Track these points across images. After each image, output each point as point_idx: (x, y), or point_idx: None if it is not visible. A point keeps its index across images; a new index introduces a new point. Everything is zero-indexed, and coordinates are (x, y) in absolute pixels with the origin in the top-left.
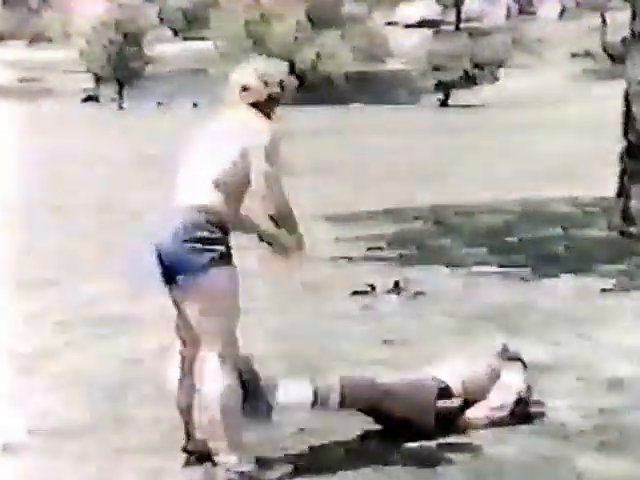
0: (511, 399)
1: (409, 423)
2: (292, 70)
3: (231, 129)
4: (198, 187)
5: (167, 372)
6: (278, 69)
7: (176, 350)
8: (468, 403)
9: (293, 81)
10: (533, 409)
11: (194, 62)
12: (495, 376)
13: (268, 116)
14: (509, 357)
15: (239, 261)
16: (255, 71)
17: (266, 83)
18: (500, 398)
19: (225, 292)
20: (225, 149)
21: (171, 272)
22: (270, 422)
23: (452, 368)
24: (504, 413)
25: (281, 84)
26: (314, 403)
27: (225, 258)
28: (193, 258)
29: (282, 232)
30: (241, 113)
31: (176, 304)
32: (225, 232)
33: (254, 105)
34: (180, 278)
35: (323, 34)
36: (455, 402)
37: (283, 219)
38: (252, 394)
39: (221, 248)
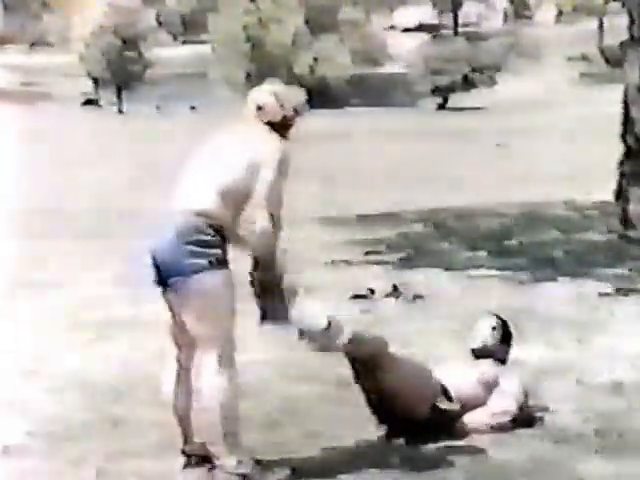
0: (513, 405)
1: (403, 404)
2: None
3: (243, 141)
4: (201, 193)
5: (163, 377)
6: (296, 95)
7: (171, 355)
8: (464, 409)
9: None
10: (537, 414)
11: (193, 66)
12: (493, 382)
13: (282, 137)
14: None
15: (235, 264)
16: (273, 92)
17: (282, 105)
18: (501, 404)
19: (221, 295)
20: (235, 160)
21: (165, 275)
22: (288, 323)
23: (449, 373)
24: (505, 419)
25: (296, 109)
26: (326, 329)
27: (221, 262)
28: (190, 261)
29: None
30: (254, 129)
31: (170, 308)
32: (223, 237)
33: (268, 125)
34: (175, 281)
35: (321, 38)
36: (454, 405)
37: (265, 249)
38: (276, 293)
39: (218, 252)
